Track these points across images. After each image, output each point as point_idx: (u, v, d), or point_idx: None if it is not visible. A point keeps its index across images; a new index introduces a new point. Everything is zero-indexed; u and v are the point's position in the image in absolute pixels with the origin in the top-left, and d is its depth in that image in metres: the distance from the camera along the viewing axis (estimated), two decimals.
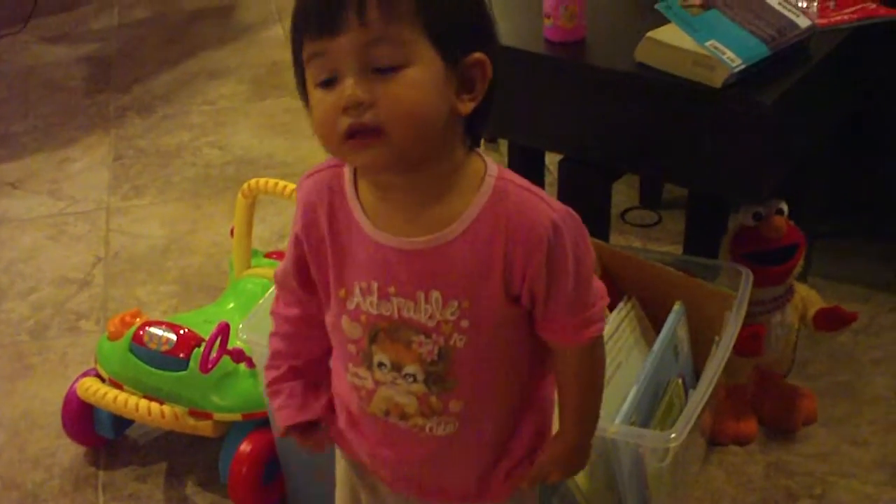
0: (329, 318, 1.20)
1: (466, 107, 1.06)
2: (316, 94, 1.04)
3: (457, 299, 1.11)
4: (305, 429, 1.28)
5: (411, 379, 1.15)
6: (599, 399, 1.25)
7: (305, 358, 1.27)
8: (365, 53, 1.00)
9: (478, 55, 1.05)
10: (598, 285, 1.18)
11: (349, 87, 1.00)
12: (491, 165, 1.12)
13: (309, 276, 1.20)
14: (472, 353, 1.14)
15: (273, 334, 1.30)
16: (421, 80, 1.01)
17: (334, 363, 1.25)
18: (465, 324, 1.12)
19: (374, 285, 1.13)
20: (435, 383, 1.15)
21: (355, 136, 1.02)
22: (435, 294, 1.11)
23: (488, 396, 1.18)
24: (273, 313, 1.29)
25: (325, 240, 1.16)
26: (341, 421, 1.27)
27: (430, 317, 1.12)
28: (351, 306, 1.15)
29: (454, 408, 1.17)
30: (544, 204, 1.10)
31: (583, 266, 1.13)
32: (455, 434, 1.19)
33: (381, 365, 1.16)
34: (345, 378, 1.21)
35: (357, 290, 1.14)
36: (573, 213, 1.13)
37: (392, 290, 1.12)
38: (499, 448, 1.23)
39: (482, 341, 1.13)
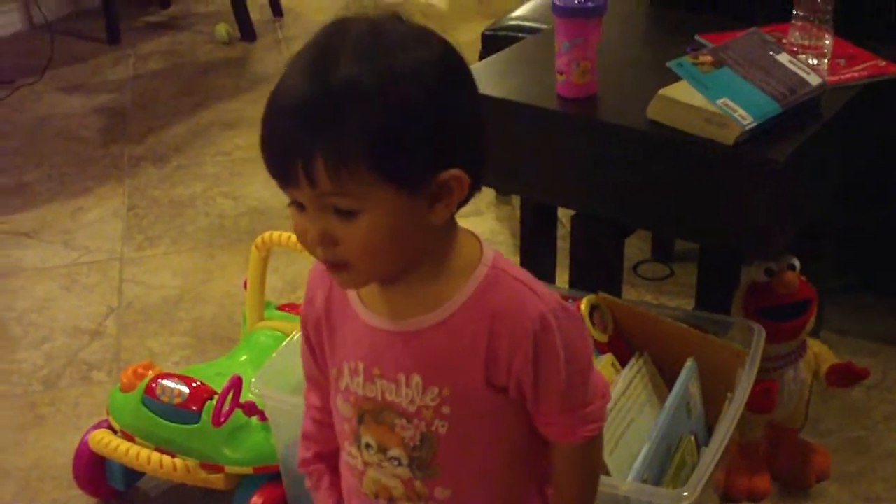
0: (331, 401, 1.21)
1: (441, 216, 1.05)
2: (290, 208, 1.05)
3: (437, 385, 1.10)
4: None
5: (396, 462, 1.15)
6: (593, 498, 1.23)
7: (330, 446, 1.27)
8: (322, 201, 1.00)
9: (448, 174, 1.02)
10: (599, 382, 1.17)
11: (312, 229, 1.02)
12: (487, 254, 1.11)
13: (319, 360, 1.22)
14: (455, 441, 1.12)
15: (304, 416, 1.32)
16: (377, 223, 1.01)
17: (340, 447, 1.24)
18: (446, 410, 1.11)
19: (361, 366, 1.13)
20: (419, 468, 1.14)
21: (328, 265, 1.05)
22: (416, 378, 1.10)
23: (477, 487, 1.17)
24: (305, 398, 1.31)
25: (322, 320, 1.18)
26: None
27: (411, 401, 1.11)
28: (342, 386, 1.17)
29: (440, 495, 1.16)
30: (534, 296, 1.08)
31: (576, 363, 1.11)
32: None
33: (368, 446, 1.16)
34: (343, 458, 1.22)
35: (346, 371, 1.15)
36: (568, 308, 1.11)
37: (377, 371, 1.12)
38: None
39: (465, 429, 1.12)
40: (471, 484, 1.16)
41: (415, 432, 1.12)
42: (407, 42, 1.01)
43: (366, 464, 1.17)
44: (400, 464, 1.14)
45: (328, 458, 1.30)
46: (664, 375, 1.84)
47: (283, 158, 1.00)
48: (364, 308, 1.13)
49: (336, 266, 1.05)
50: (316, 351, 1.22)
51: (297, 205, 1.03)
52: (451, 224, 1.09)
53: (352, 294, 1.14)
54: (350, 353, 1.14)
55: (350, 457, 1.19)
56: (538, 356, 1.08)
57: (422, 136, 1.00)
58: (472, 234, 1.12)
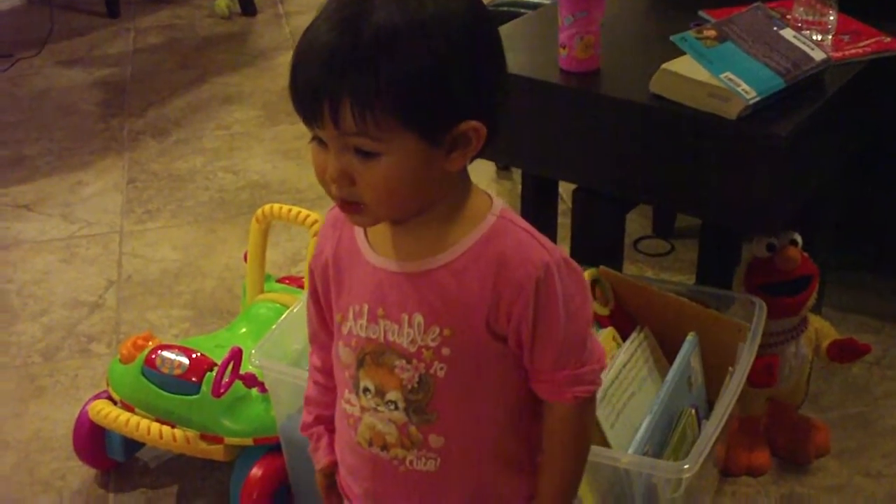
0: (333, 351, 1.22)
1: (457, 164, 1.07)
2: (311, 144, 1.08)
3: (438, 325, 1.11)
4: (332, 474, 1.32)
5: (393, 406, 1.16)
6: (581, 468, 1.23)
7: (331, 410, 1.29)
8: (344, 141, 1.03)
9: (466, 125, 1.05)
10: (597, 348, 1.17)
11: (332, 166, 1.05)
12: (496, 205, 1.13)
13: (324, 313, 1.24)
14: (452, 386, 1.13)
15: (308, 380, 1.34)
16: (396, 166, 1.04)
17: (337, 399, 1.25)
18: (445, 352, 1.12)
19: (365, 308, 1.15)
20: (415, 412, 1.15)
21: (341, 203, 1.08)
22: (417, 318, 1.12)
23: (471, 440, 1.18)
24: (309, 360, 1.34)
25: (329, 266, 1.20)
26: (339, 464, 1.29)
27: (412, 341, 1.13)
28: (345, 331, 1.18)
29: (434, 443, 1.17)
30: (540, 246, 1.10)
31: (575, 319, 1.12)
32: (437, 474, 1.18)
33: (366, 390, 1.17)
34: (341, 408, 1.23)
35: (351, 314, 1.17)
36: (573, 264, 1.13)
37: (380, 311, 1.14)
38: None
39: (464, 375, 1.13)
40: (465, 435, 1.17)
41: (413, 373, 1.13)
42: None
43: (363, 409, 1.18)
44: (396, 408, 1.15)
45: (328, 422, 1.30)
46: (665, 349, 1.85)
47: (310, 98, 1.02)
48: (372, 251, 1.15)
49: (350, 205, 1.08)
50: (321, 301, 1.23)
51: (319, 141, 1.06)
52: (465, 174, 1.12)
53: (360, 239, 1.16)
54: (356, 297, 1.16)
55: (348, 404, 1.20)
56: (538, 304, 1.09)
57: (446, 86, 1.02)
58: (484, 190, 1.15)
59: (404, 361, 1.13)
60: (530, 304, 1.09)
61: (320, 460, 1.32)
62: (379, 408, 1.17)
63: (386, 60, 0.99)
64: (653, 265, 2.68)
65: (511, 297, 1.09)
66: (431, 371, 1.13)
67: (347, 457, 1.25)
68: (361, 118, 1.00)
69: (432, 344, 1.12)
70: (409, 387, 1.14)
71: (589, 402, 1.18)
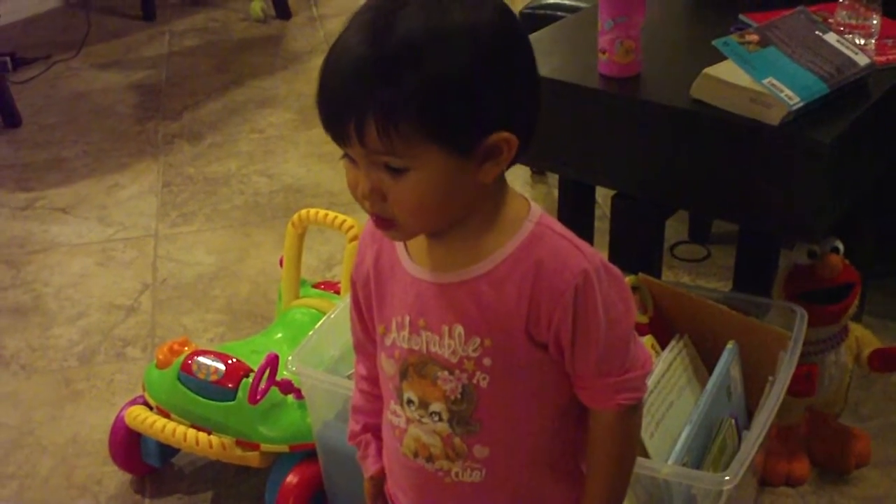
0: (377, 362, 1.22)
1: (489, 176, 1.05)
2: (343, 160, 1.07)
3: (479, 336, 1.10)
4: (380, 483, 1.31)
5: (437, 417, 1.15)
6: (626, 476, 1.21)
7: (378, 418, 1.28)
8: (372, 158, 1.02)
9: (498, 136, 1.03)
10: (641, 354, 1.15)
11: (362, 183, 1.04)
12: (534, 211, 1.11)
13: (368, 324, 1.23)
14: (495, 396, 1.12)
15: (354, 389, 1.34)
16: (426, 181, 1.02)
17: (384, 409, 1.24)
18: (487, 362, 1.11)
19: (407, 319, 1.14)
20: (459, 424, 1.14)
21: (375, 219, 1.08)
22: (458, 329, 1.11)
23: (516, 449, 1.16)
24: (355, 370, 1.33)
25: (371, 277, 1.19)
26: (387, 475, 1.28)
27: (453, 352, 1.11)
28: (388, 342, 1.17)
29: (479, 454, 1.16)
30: (579, 253, 1.09)
31: (617, 325, 1.11)
32: (482, 485, 1.17)
33: (409, 402, 1.17)
34: (387, 419, 1.22)
35: (393, 325, 1.16)
36: (614, 269, 1.11)
37: (422, 322, 1.13)
38: None
39: (506, 385, 1.12)
40: (509, 445, 1.16)
41: (456, 384, 1.12)
42: (465, 4, 1.01)
43: (408, 420, 1.17)
44: (440, 419, 1.15)
45: (376, 430, 1.30)
46: (704, 358, 1.83)
47: (335, 116, 1.02)
48: (411, 262, 1.14)
49: (384, 221, 1.07)
50: (364, 312, 1.23)
51: (350, 158, 1.05)
52: (500, 181, 1.10)
53: (400, 249, 1.15)
54: (398, 308, 1.15)
55: (393, 416, 1.20)
56: (577, 312, 1.08)
57: (472, 100, 1.00)
58: (522, 194, 1.13)
59: (446, 373, 1.12)
60: (569, 312, 1.07)
61: (369, 468, 1.31)
62: (423, 419, 1.16)
63: (408, 75, 0.98)
64: (689, 271, 2.66)
65: (550, 305, 1.08)
66: (474, 381, 1.12)
67: (394, 467, 1.24)
68: (387, 136, 0.99)
69: (473, 354, 1.11)
70: (453, 398, 1.13)
71: (634, 410, 1.16)
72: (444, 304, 1.11)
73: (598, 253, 1.10)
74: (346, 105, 1.00)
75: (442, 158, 1.01)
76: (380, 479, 1.30)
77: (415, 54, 0.98)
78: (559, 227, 1.11)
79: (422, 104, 0.98)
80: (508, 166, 1.07)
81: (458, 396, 1.13)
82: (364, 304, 1.22)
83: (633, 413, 1.16)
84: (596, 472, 1.19)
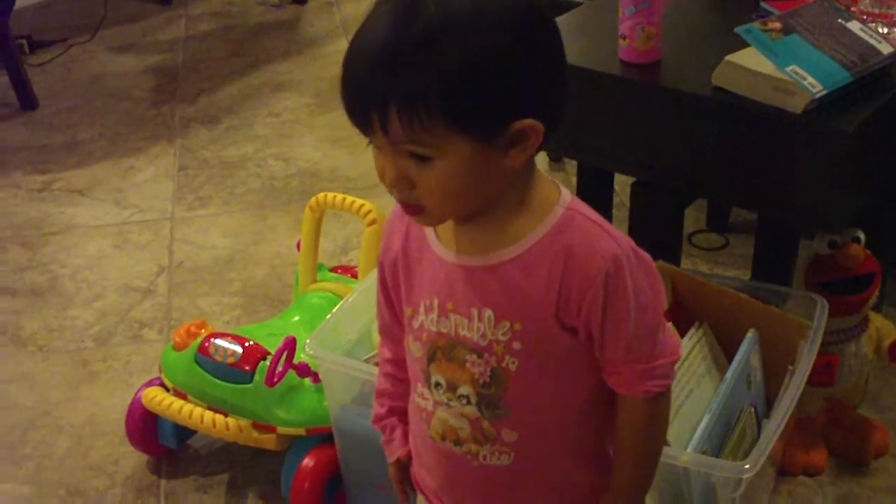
0: (404, 344, 1.21)
1: (516, 161, 1.04)
2: (371, 146, 1.06)
3: (508, 320, 1.10)
4: (406, 466, 1.30)
5: (465, 401, 1.14)
6: (654, 463, 1.21)
7: (404, 401, 1.27)
8: (397, 147, 1.01)
9: (523, 123, 1.01)
10: (671, 341, 1.15)
11: (389, 171, 1.03)
12: (564, 196, 1.11)
13: (394, 306, 1.23)
14: (525, 380, 1.12)
15: (379, 373, 1.33)
16: (452, 169, 1.02)
17: (410, 392, 1.24)
18: (517, 346, 1.10)
19: (436, 302, 1.14)
20: (487, 407, 1.14)
21: (403, 205, 1.07)
22: (488, 312, 1.10)
23: (545, 434, 1.16)
24: (379, 353, 1.33)
25: (399, 260, 1.18)
26: (413, 457, 1.28)
27: (483, 335, 1.11)
28: (416, 325, 1.17)
29: (508, 437, 1.15)
30: (609, 238, 1.07)
31: (646, 312, 1.10)
32: (510, 468, 1.17)
33: (437, 385, 1.16)
34: (414, 402, 1.22)
35: (422, 308, 1.16)
36: (644, 255, 1.10)
37: (450, 305, 1.12)
38: (557, 497, 1.21)
39: (535, 368, 1.12)
40: (538, 429, 1.15)
41: (485, 368, 1.12)
42: None
43: (435, 403, 1.17)
44: (468, 402, 1.14)
45: (401, 413, 1.29)
46: (723, 346, 1.82)
47: (358, 105, 1.01)
48: (440, 245, 1.13)
49: (412, 207, 1.06)
50: (391, 295, 1.22)
51: (377, 145, 1.04)
52: (529, 165, 1.09)
53: (428, 232, 1.15)
54: (426, 291, 1.15)
55: (420, 398, 1.19)
56: (608, 297, 1.07)
57: (494, 88, 0.99)
58: (552, 179, 1.12)
59: (475, 356, 1.12)
60: (599, 298, 1.07)
61: (394, 452, 1.31)
62: (451, 402, 1.15)
63: (429, 63, 0.97)
64: (707, 259, 2.65)
65: (580, 290, 1.07)
66: (503, 365, 1.11)
67: (421, 450, 1.24)
68: (409, 124, 0.98)
69: (503, 338, 1.10)
70: (481, 381, 1.12)
71: (662, 397, 1.16)
72: (473, 287, 1.10)
73: (629, 238, 1.09)
74: (368, 94, 0.99)
75: (466, 146, 1.00)
76: (405, 462, 1.30)
77: (436, 42, 0.97)
78: (590, 212, 1.10)
79: (443, 93, 0.97)
80: (537, 151, 1.06)
81: (487, 380, 1.12)
82: (392, 287, 1.21)
83: (661, 399, 1.16)
84: (624, 457, 1.19)
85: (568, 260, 1.07)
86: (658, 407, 1.16)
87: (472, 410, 1.14)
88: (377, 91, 0.98)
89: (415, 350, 1.18)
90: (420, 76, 0.97)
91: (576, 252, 1.06)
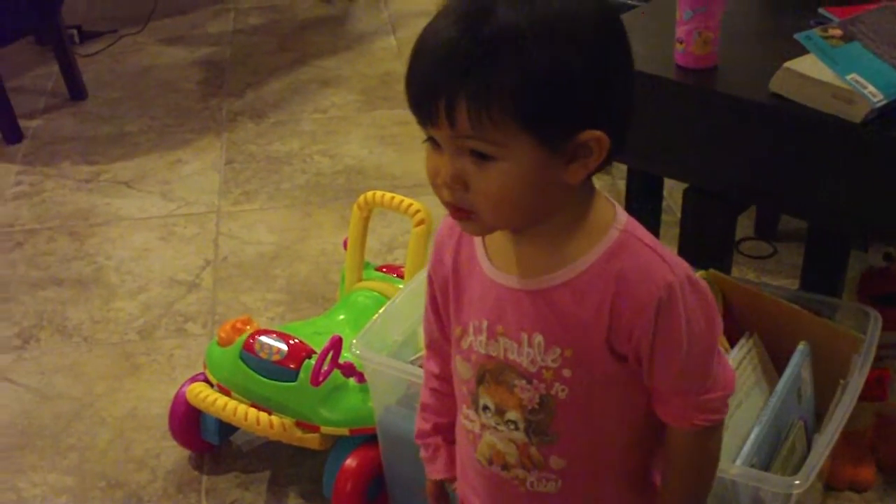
0: (451, 363, 1.19)
1: (576, 176, 1.01)
2: (426, 145, 1.04)
3: (559, 346, 1.07)
4: (445, 486, 1.30)
5: (513, 426, 1.13)
6: (703, 496, 1.18)
7: (449, 417, 1.26)
8: (460, 143, 0.99)
9: (590, 134, 0.99)
10: (725, 374, 1.12)
11: (445, 169, 1.01)
12: (620, 217, 1.07)
13: (443, 320, 1.21)
14: (574, 408, 1.09)
15: (423, 386, 1.31)
16: (512, 172, 0.99)
17: (457, 412, 1.22)
18: (566, 373, 1.08)
19: (485, 324, 1.11)
20: (535, 434, 1.12)
21: (453, 209, 1.04)
22: (538, 338, 1.08)
23: (593, 462, 1.14)
24: (424, 366, 1.31)
25: (449, 278, 1.16)
26: (459, 476, 1.26)
27: (532, 361, 1.09)
28: (465, 345, 1.15)
29: (556, 465, 1.13)
30: (664, 264, 1.05)
31: (698, 343, 1.07)
32: (558, 496, 1.15)
33: (485, 408, 1.14)
34: (460, 423, 1.20)
35: (471, 329, 1.13)
36: (700, 283, 1.07)
37: (500, 329, 1.10)
38: None
39: (585, 396, 1.09)
40: (586, 457, 1.13)
41: (534, 394, 1.09)
42: None
43: (483, 426, 1.15)
44: (516, 427, 1.12)
45: (446, 431, 1.28)
46: (773, 357, 1.79)
47: (426, 97, 0.98)
48: (490, 265, 1.11)
49: (461, 211, 1.03)
50: (441, 311, 1.20)
51: (433, 143, 1.02)
52: (587, 185, 1.06)
53: (479, 250, 1.12)
54: (475, 312, 1.12)
55: (467, 420, 1.17)
56: (659, 325, 1.04)
57: (570, 91, 0.97)
58: (609, 198, 1.09)
59: (524, 381, 1.10)
60: (650, 326, 1.04)
61: (436, 473, 1.30)
62: (499, 426, 1.13)
63: (508, 58, 0.94)
64: (754, 267, 2.62)
65: (631, 317, 1.04)
66: (552, 392, 1.09)
67: (467, 471, 1.22)
68: (478, 119, 0.95)
69: (553, 365, 1.08)
70: (530, 407, 1.10)
71: (712, 430, 1.13)
72: (523, 311, 1.08)
73: (685, 264, 1.06)
74: (438, 85, 0.96)
75: (530, 150, 0.98)
76: (444, 482, 1.29)
77: (513, 42, 0.94)
78: (646, 236, 1.07)
79: (518, 91, 0.94)
80: (597, 169, 1.03)
81: (536, 406, 1.10)
82: (441, 304, 1.19)
83: (711, 433, 1.13)
84: (671, 489, 1.17)
85: (620, 285, 1.04)
86: (708, 440, 1.14)
87: (520, 436, 1.12)
88: (449, 83, 0.96)
89: (463, 371, 1.15)
90: (496, 74, 0.94)
91: (628, 278, 1.04)
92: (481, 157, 0.99)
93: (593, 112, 0.99)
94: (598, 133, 0.99)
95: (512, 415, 1.12)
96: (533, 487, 1.15)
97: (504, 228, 1.07)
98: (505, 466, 1.15)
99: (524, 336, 1.08)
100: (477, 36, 0.95)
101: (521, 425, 1.12)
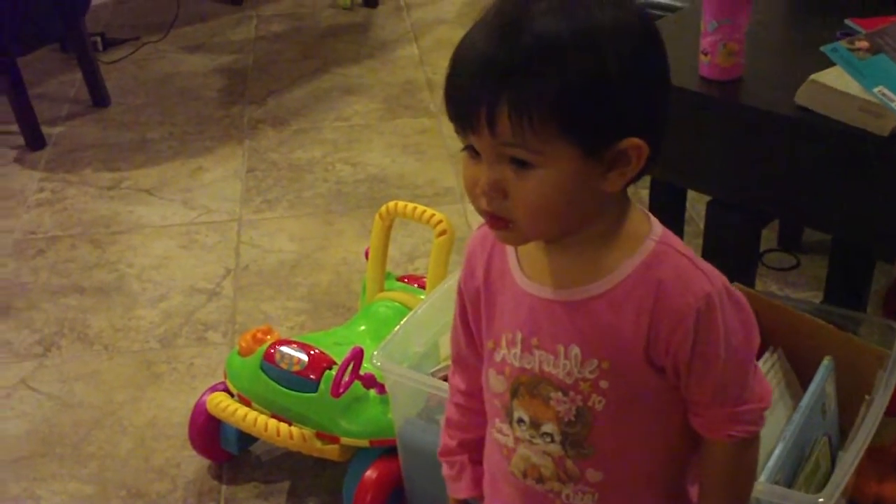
0: (482, 377, 1.18)
1: (614, 185, 1.01)
2: (463, 153, 1.03)
3: (596, 358, 1.06)
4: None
5: (548, 439, 1.12)
6: None
7: (475, 434, 1.25)
8: (500, 150, 0.99)
9: (630, 142, 0.99)
10: (762, 387, 1.11)
11: (484, 178, 1.00)
12: (655, 227, 1.07)
13: (473, 334, 1.20)
14: (611, 420, 1.09)
15: (448, 401, 1.30)
16: (551, 180, 0.99)
17: (488, 426, 1.21)
18: (604, 385, 1.07)
19: (519, 336, 1.11)
20: (572, 446, 1.11)
21: (490, 218, 1.03)
22: (574, 350, 1.07)
23: (629, 475, 1.13)
24: (449, 381, 1.30)
25: (481, 290, 1.15)
26: (487, 489, 1.25)
27: (568, 373, 1.08)
28: (497, 358, 1.14)
29: (592, 478, 1.12)
30: (701, 275, 1.04)
31: (736, 354, 1.06)
32: None
33: (520, 421, 1.13)
34: (492, 436, 1.19)
35: (504, 342, 1.12)
36: (737, 294, 1.06)
37: (535, 341, 1.09)
38: None
39: (622, 408, 1.08)
40: (623, 469, 1.12)
41: (570, 406, 1.09)
42: (605, 3, 0.98)
43: (517, 440, 1.14)
44: (552, 440, 1.11)
45: (472, 449, 1.27)
46: (797, 371, 1.78)
47: (467, 103, 0.98)
48: (524, 276, 1.10)
49: (498, 220, 1.03)
50: (471, 324, 1.19)
51: (472, 151, 1.02)
52: (622, 195, 1.06)
53: (512, 262, 1.12)
54: (508, 324, 1.12)
55: (500, 434, 1.16)
56: (697, 337, 1.03)
57: (611, 99, 0.97)
58: (643, 209, 1.09)
59: (560, 394, 1.09)
60: (689, 337, 1.03)
61: (459, 492, 1.29)
62: (534, 439, 1.13)
63: (550, 65, 0.94)
64: (777, 279, 2.60)
65: (669, 328, 1.03)
66: (589, 404, 1.08)
67: (500, 485, 1.21)
68: (519, 125, 0.95)
69: (590, 376, 1.07)
70: (566, 419, 1.10)
71: (749, 443, 1.12)
72: (558, 322, 1.07)
73: (721, 275, 1.06)
74: (479, 91, 0.96)
75: (571, 157, 0.97)
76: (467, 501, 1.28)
77: (556, 46, 0.95)
78: (682, 247, 1.06)
79: (560, 99, 0.94)
80: (634, 179, 1.03)
81: (572, 419, 1.09)
82: (472, 316, 1.19)
83: (747, 446, 1.12)
84: (709, 502, 1.16)
85: (658, 296, 1.03)
86: (745, 453, 1.13)
87: (556, 448, 1.12)
88: (491, 90, 0.96)
89: (496, 384, 1.15)
90: (538, 82, 0.95)
91: (666, 288, 1.03)
92: (521, 165, 0.98)
93: (633, 120, 0.99)
94: (637, 141, 0.99)
95: (548, 427, 1.11)
96: (569, 500, 1.14)
97: (541, 238, 1.07)
98: (540, 479, 1.14)
99: (560, 348, 1.08)
100: (517, 45, 0.95)
101: (558, 438, 1.11)
